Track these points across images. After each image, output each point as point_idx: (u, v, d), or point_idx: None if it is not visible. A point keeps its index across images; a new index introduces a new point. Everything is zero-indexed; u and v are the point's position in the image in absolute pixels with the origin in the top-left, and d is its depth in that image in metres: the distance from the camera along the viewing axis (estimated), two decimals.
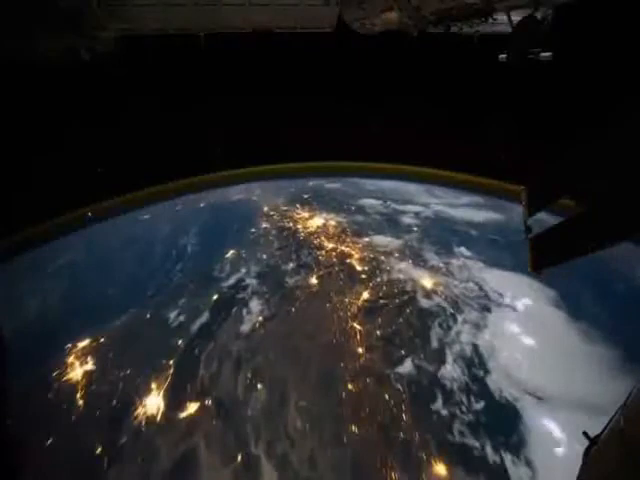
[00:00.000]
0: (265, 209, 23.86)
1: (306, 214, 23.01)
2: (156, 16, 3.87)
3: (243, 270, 17.35)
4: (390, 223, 21.98)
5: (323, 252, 18.88)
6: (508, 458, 9.33)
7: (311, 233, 20.79)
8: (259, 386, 11.47)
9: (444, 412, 10.55)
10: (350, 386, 11.44)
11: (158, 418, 10.42)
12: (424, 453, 9.44)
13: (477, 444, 9.68)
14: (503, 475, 9.06)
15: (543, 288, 15.04)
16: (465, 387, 11.30)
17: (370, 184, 27.35)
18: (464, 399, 10.93)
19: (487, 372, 11.77)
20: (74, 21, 3.38)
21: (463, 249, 18.66)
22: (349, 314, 14.37)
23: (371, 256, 18.35)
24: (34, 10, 3.20)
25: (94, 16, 3.43)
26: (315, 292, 15.86)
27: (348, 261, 18.02)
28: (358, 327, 13.69)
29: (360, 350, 12.75)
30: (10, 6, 3.11)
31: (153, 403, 10.84)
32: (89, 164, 18.94)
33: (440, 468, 9.17)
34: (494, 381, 11.42)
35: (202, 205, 24.49)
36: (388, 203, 24.35)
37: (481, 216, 21.90)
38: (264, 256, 18.60)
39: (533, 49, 3.12)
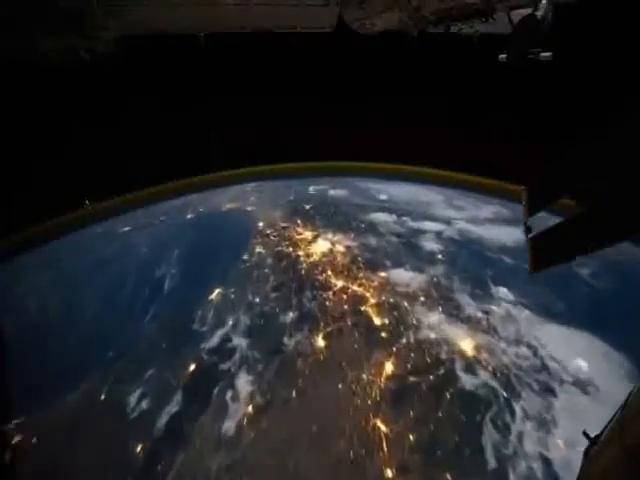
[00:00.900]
0: (260, 225, 21.41)
1: (308, 234, 20.38)
2: (156, 16, 3.88)
3: (230, 322, 14.13)
4: (408, 249, 18.92)
5: (330, 294, 15.63)
6: None
7: (315, 264, 17.75)
8: None
9: None
10: None
11: None
12: None
13: None
14: None
15: (612, 352, 12.03)
16: None
17: (378, 190, 25.37)
18: None
19: None
20: (74, 21, 3.39)
21: (502, 290, 15.50)
22: (369, 402, 10.95)
23: (391, 301, 15.04)
24: (34, 10, 3.20)
25: (94, 16, 3.44)
26: (322, 362, 12.35)
27: (362, 309, 14.72)
28: (383, 428, 10.23)
29: (389, 473, 9.17)
30: (10, 6, 3.11)
31: None
32: (89, 164, 18.98)
33: None
34: None
35: (189, 217, 22.33)
36: (403, 219, 21.68)
37: (511, 236, 18.88)
38: (257, 299, 15.40)
39: (533, 49, 3.13)
